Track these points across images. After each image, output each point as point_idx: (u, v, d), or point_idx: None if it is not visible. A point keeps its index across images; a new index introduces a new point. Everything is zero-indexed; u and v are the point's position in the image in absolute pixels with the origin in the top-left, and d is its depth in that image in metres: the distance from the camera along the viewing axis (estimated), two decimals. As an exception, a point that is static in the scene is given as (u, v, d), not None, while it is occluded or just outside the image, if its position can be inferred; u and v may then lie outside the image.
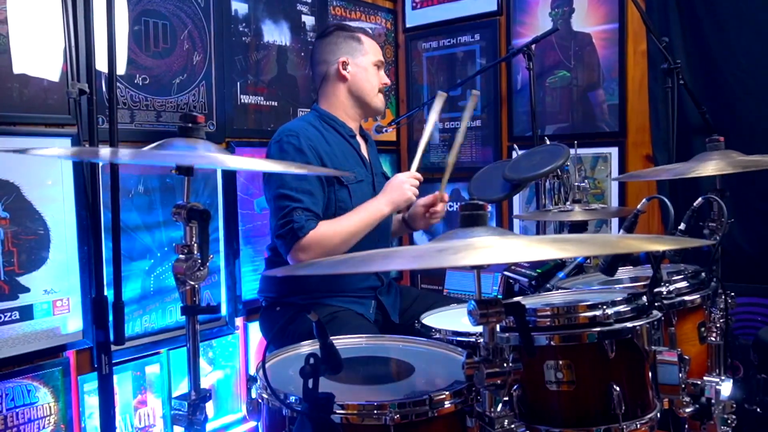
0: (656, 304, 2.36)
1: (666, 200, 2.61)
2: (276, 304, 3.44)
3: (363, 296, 3.42)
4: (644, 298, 2.28)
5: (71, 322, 3.30)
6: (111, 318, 2.87)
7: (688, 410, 2.47)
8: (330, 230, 3.20)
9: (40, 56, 3.16)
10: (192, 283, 2.04)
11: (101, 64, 2.94)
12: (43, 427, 3.22)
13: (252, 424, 2.49)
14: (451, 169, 3.32)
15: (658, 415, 2.17)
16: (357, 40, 3.56)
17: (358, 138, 3.62)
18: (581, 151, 4.30)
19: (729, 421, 2.63)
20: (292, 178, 3.21)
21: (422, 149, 3.47)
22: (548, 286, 2.93)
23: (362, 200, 3.38)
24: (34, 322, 3.17)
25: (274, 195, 3.25)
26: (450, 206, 5.03)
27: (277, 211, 3.23)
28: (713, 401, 2.47)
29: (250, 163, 2.94)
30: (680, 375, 2.22)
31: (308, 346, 2.39)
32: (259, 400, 2.05)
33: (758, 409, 3.33)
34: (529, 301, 2.49)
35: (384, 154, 5.18)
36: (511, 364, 1.73)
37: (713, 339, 2.69)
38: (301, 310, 1.85)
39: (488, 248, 1.59)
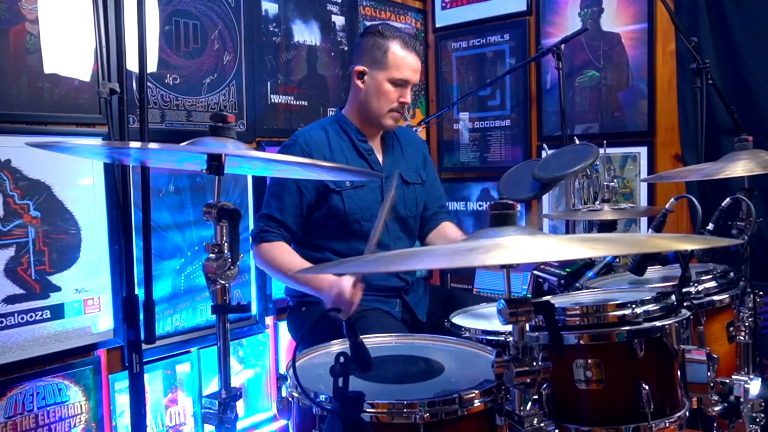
0: (685, 303, 2.36)
1: (694, 200, 2.60)
2: (302, 304, 3.44)
3: (388, 295, 3.40)
4: (673, 298, 2.27)
5: (102, 320, 3.33)
6: (142, 317, 2.88)
7: (716, 409, 2.47)
8: (273, 255, 3.27)
9: (71, 56, 3.19)
10: (222, 282, 2.05)
11: (132, 64, 2.96)
12: (74, 426, 3.25)
13: (282, 422, 2.50)
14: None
15: (687, 413, 2.17)
16: (383, 52, 3.35)
17: (372, 142, 3.53)
18: (610, 150, 4.30)
19: (757, 420, 2.62)
20: (273, 184, 3.35)
21: (377, 234, 3.01)
22: (577, 285, 2.92)
23: (362, 205, 3.35)
24: (65, 320, 3.20)
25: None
26: (480, 205, 5.05)
27: None
28: (742, 400, 2.47)
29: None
30: (709, 374, 2.21)
31: (338, 345, 2.40)
32: (290, 399, 2.06)
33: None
34: (558, 300, 2.49)
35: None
36: (540, 363, 1.73)
37: (742, 338, 2.68)
38: (329, 310, 1.85)
39: (517, 247, 1.59)
